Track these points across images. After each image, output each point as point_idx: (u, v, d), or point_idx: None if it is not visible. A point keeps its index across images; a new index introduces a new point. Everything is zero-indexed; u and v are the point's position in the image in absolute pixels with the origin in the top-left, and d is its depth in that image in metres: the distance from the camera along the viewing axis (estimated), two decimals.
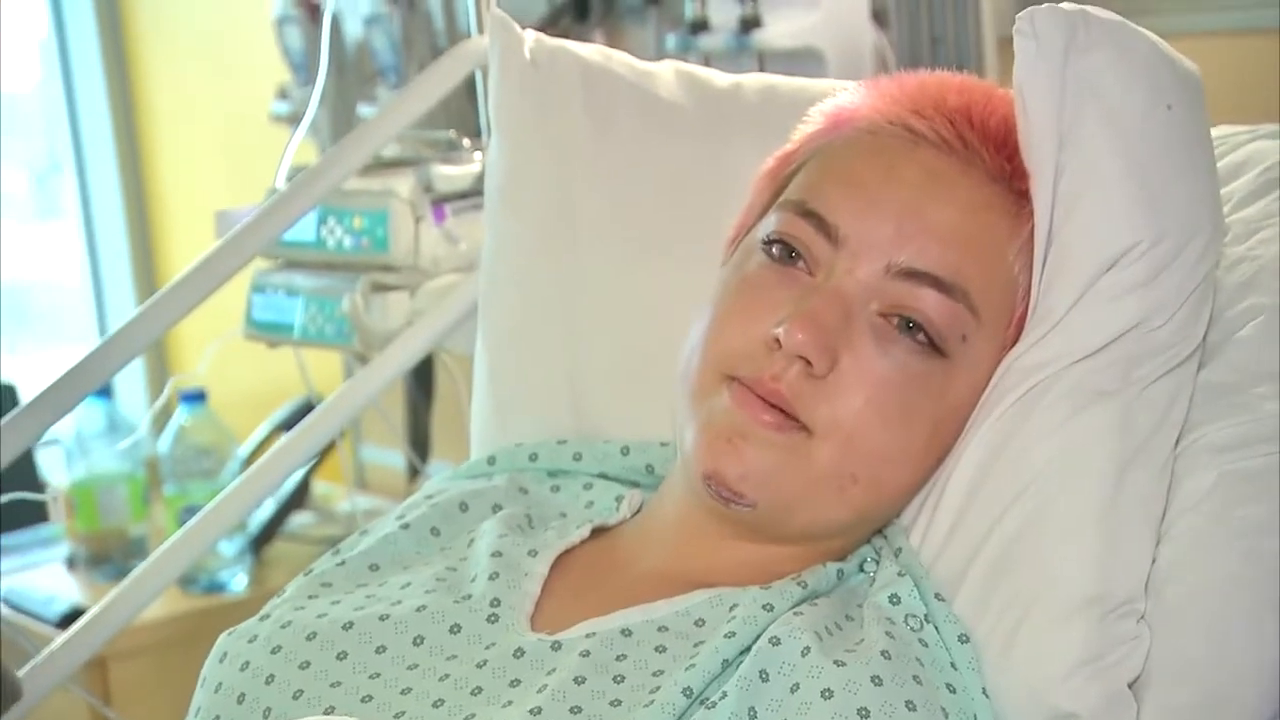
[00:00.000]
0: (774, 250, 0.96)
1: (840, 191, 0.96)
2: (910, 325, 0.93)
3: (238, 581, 2.41)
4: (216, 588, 2.40)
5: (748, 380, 0.93)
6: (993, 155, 0.96)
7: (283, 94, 2.53)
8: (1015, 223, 0.96)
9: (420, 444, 2.29)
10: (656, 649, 0.91)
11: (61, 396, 1.35)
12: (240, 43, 2.95)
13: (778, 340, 0.92)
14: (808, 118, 1.04)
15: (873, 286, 0.93)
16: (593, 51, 1.29)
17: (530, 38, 1.28)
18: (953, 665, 0.91)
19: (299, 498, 2.54)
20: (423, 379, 2.26)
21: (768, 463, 0.93)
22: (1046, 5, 0.96)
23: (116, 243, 3.29)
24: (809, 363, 0.92)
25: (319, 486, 2.65)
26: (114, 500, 2.48)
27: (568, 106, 1.25)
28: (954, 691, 0.89)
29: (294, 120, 2.47)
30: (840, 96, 1.04)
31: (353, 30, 2.40)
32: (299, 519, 2.58)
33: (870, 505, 0.96)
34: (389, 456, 2.57)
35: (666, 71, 1.28)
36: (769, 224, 0.98)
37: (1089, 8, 0.96)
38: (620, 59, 1.28)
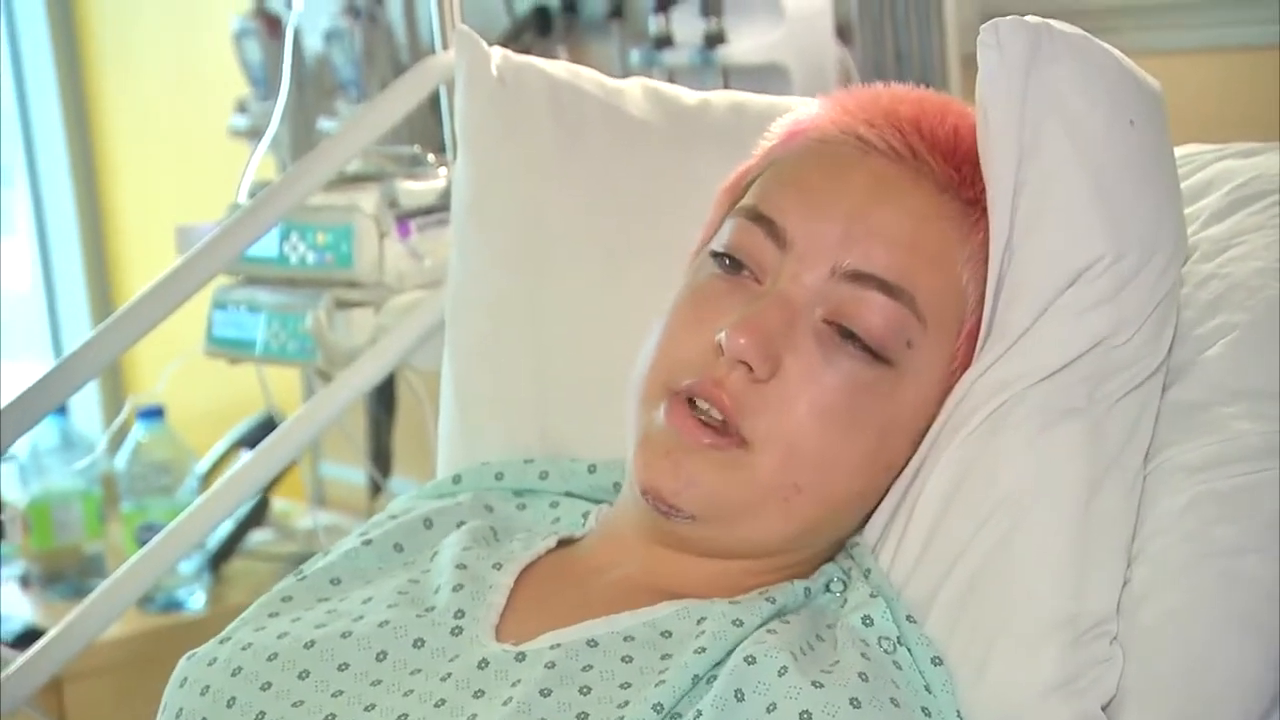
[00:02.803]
0: (724, 260, 0.97)
1: (789, 196, 0.96)
2: (853, 334, 0.93)
3: (195, 600, 2.39)
4: (174, 606, 2.38)
5: (689, 388, 0.93)
6: (941, 164, 0.97)
7: (241, 108, 2.51)
8: (964, 232, 0.96)
9: (382, 460, 2.28)
10: (623, 659, 0.91)
11: (23, 413, 1.33)
12: (198, 56, 2.93)
13: (721, 346, 0.92)
14: (768, 133, 1.05)
15: (819, 291, 0.94)
16: (560, 68, 1.28)
17: (497, 54, 1.28)
18: (927, 688, 0.90)
19: (258, 515, 2.52)
20: (384, 395, 2.25)
21: (707, 478, 0.93)
22: (1011, 17, 0.96)
23: (71, 257, 3.26)
24: (751, 368, 0.92)
25: (278, 504, 2.63)
26: (69, 518, 2.46)
27: (536, 123, 1.25)
28: (929, 715, 0.89)
29: (253, 134, 2.46)
30: (798, 110, 1.05)
31: (312, 44, 2.39)
32: (257, 536, 2.57)
33: (817, 516, 0.95)
34: (349, 473, 2.55)
35: (635, 88, 1.28)
36: (721, 234, 0.98)
37: (1053, 21, 0.96)
38: (588, 76, 1.28)
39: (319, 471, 2.65)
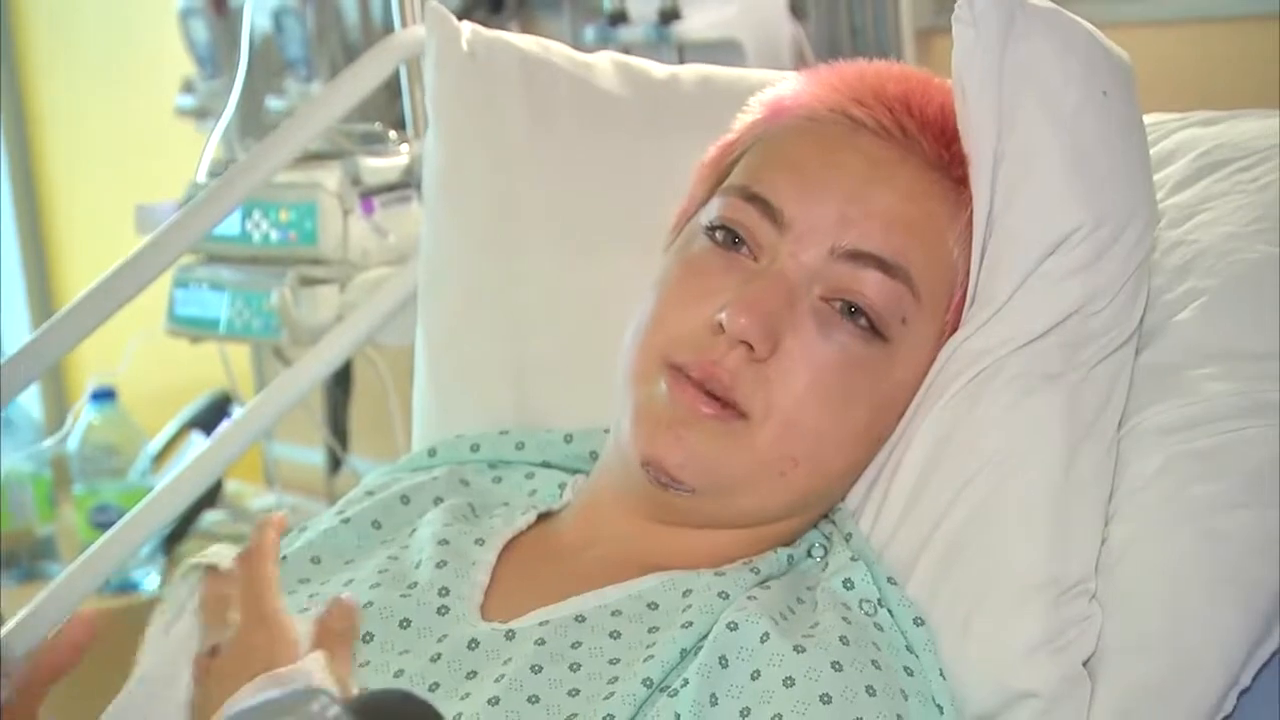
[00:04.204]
0: (718, 235, 0.97)
1: (783, 176, 0.97)
2: (852, 310, 0.94)
3: (150, 581, 2.38)
4: (128, 587, 2.37)
5: (687, 365, 0.94)
6: (931, 143, 0.98)
7: (188, 88, 2.49)
8: (954, 209, 0.98)
9: (338, 439, 2.27)
10: (611, 634, 0.92)
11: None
12: (141, 35, 2.90)
13: (721, 325, 0.93)
14: (748, 107, 1.05)
15: (816, 270, 0.94)
16: (530, 42, 1.28)
17: (467, 29, 1.28)
18: (909, 648, 0.92)
19: (211, 496, 2.50)
20: (340, 373, 2.24)
21: (708, 450, 0.93)
22: None
23: (7, 236, 3.22)
24: (751, 347, 0.93)
25: (231, 484, 2.61)
26: (20, 501, 2.44)
27: (507, 98, 1.25)
28: (911, 674, 0.91)
29: (199, 114, 2.45)
30: (780, 86, 1.05)
31: (259, 23, 2.37)
32: (211, 517, 2.55)
33: (812, 487, 0.97)
34: (302, 453, 2.54)
35: (604, 62, 1.28)
36: (712, 209, 0.98)
37: None
38: (558, 50, 1.28)
39: (270, 451, 2.64)
